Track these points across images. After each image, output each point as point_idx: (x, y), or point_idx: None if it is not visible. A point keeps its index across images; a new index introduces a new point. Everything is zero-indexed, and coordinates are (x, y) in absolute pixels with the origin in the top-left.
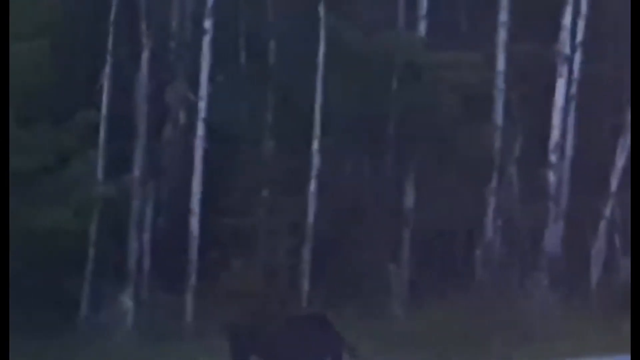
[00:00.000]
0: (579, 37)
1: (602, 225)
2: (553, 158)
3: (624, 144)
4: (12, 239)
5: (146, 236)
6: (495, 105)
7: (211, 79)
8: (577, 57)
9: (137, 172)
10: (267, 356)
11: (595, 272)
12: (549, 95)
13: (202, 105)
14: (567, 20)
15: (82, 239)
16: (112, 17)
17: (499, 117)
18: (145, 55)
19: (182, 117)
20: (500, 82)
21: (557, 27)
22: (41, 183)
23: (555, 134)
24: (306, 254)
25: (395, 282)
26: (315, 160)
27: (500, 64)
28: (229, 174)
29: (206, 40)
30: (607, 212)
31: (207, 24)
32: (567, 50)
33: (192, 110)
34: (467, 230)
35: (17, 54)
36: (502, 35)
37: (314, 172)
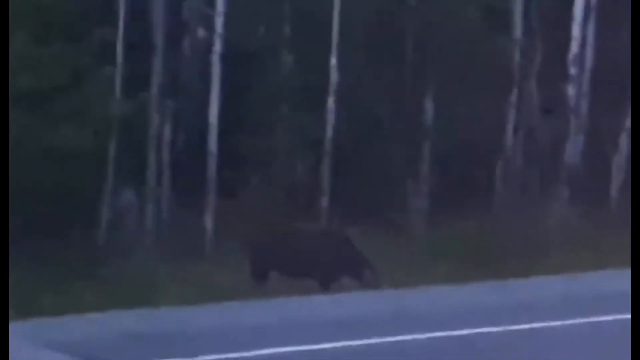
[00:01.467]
0: None
1: (623, 137)
2: (572, 71)
3: None
4: (29, 158)
5: (165, 154)
6: (514, 18)
7: None
8: None
9: (155, 89)
10: (286, 271)
11: (615, 185)
12: (568, 7)
13: (219, 20)
14: None
15: (100, 157)
16: None
17: (518, 30)
18: None
19: (199, 32)
20: None
21: None
22: (58, 102)
23: (574, 46)
24: (325, 170)
25: (414, 198)
26: (334, 75)
27: None
28: (247, 91)
29: None
30: (628, 123)
31: None
32: None
33: (209, 26)
34: (487, 144)
35: None
36: None
37: (332, 87)
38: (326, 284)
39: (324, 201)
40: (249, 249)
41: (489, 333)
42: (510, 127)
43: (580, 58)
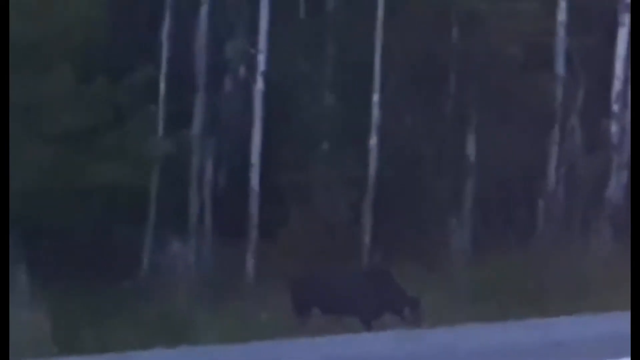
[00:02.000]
0: None
1: None
2: (615, 107)
3: None
4: (72, 196)
5: (206, 191)
6: (556, 55)
7: (270, 32)
8: None
9: (197, 127)
10: (329, 309)
11: None
12: (611, 44)
13: (261, 58)
14: None
15: (142, 195)
16: None
17: (560, 67)
18: (204, 9)
19: (241, 71)
20: (561, 31)
21: None
22: (101, 140)
23: (617, 84)
24: (367, 208)
25: (456, 236)
26: (375, 112)
27: (562, 12)
28: (288, 128)
29: None
30: None
31: None
32: None
33: (251, 64)
34: (530, 181)
35: (74, 8)
36: None
37: (374, 124)
38: (368, 322)
39: (366, 239)
40: (291, 285)
41: None
42: (552, 164)
43: (624, 95)
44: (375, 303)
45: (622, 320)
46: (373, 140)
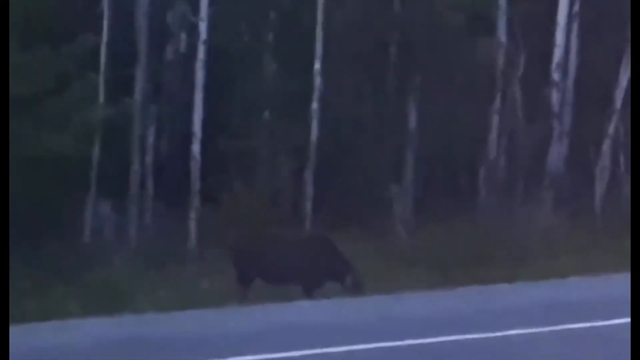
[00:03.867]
0: None
1: (606, 143)
2: (556, 76)
3: (627, 61)
4: (13, 164)
5: (148, 160)
6: (497, 24)
7: (212, 0)
8: None
9: (138, 95)
10: (271, 278)
11: (599, 190)
12: (551, 13)
13: (203, 27)
14: None
15: (84, 163)
16: None
17: (501, 35)
18: None
19: (183, 39)
20: (502, 0)
21: None
22: (42, 108)
23: (558, 53)
24: (309, 176)
25: (398, 203)
26: (317, 81)
27: None
28: (230, 97)
29: None
30: (611, 129)
31: None
32: None
33: (193, 32)
34: (470, 150)
35: None
36: None
37: (316, 94)
38: (309, 290)
39: (308, 206)
40: (233, 255)
41: (471, 339)
42: (493, 133)
43: (564, 64)
44: (316, 271)
45: (560, 288)
46: (315, 109)
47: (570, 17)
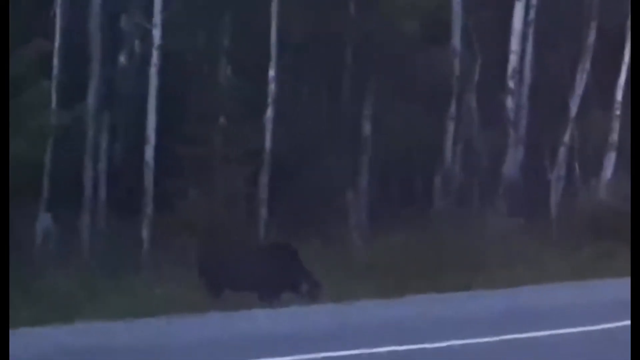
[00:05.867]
0: None
1: (561, 152)
2: (511, 83)
3: (583, 69)
4: None
5: (102, 165)
6: (453, 31)
7: (166, 6)
8: None
9: (91, 100)
10: (238, 287)
11: (554, 198)
12: (507, 20)
13: (156, 32)
14: None
15: (36, 169)
16: None
17: (457, 42)
18: None
19: (136, 45)
20: (457, 7)
21: None
22: None
23: (513, 60)
24: (264, 182)
25: (353, 210)
26: (272, 87)
27: None
28: (185, 102)
29: None
30: (566, 137)
31: None
32: None
33: (146, 38)
34: (426, 157)
35: None
36: None
37: (270, 99)
38: (266, 298)
39: (263, 212)
40: (201, 269)
41: (425, 349)
42: (449, 140)
43: (520, 71)
44: (272, 279)
45: (515, 297)
46: (269, 114)
47: (525, 24)
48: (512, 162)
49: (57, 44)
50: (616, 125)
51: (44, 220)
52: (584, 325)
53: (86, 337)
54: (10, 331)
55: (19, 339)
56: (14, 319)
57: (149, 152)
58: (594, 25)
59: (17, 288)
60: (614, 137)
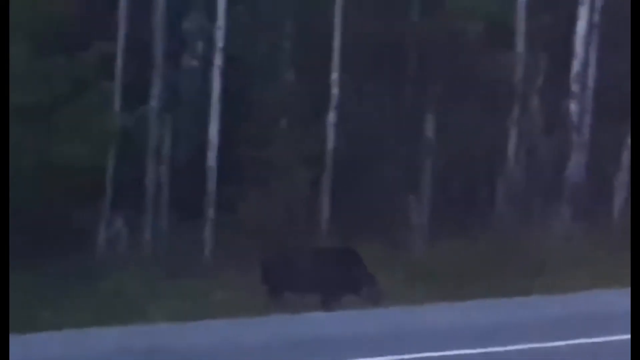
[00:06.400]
0: None
1: (625, 154)
2: (575, 87)
3: None
4: (27, 171)
5: (164, 169)
6: (516, 34)
7: (229, 8)
8: None
9: (154, 102)
10: (300, 291)
11: (618, 202)
12: (570, 23)
13: (219, 34)
14: None
15: (99, 172)
16: None
17: (520, 46)
18: None
19: (200, 47)
20: (521, 11)
21: None
22: (57, 115)
23: (576, 64)
24: (325, 185)
25: (415, 213)
26: (335, 90)
27: None
28: (247, 105)
29: None
30: (629, 140)
31: None
32: None
33: (210, 40)
34: (489, 161)
35: None
36: None
37: (333, 102)
38: (327, 301)
39: (325, 215)
40: (263, 270)
41: (487, 353)
42: (511, 144)
43: (583, 75)
44: (334, 282)
45: (578, 301)
46: (331, 118)
47: (589, 27)
48: (576, 166)
49: (120, 46)
50: None
51: (114, 221)
52: None
53: (148, 338)
54: (74, 331)
55: (82, 339)
56: (77, 319)
57: (212, 155)
58: None
59: (81, 289)
60: None
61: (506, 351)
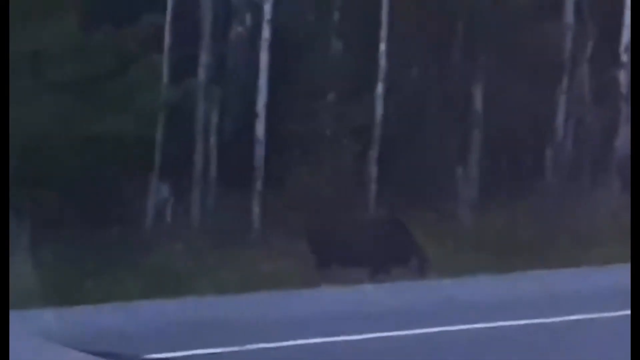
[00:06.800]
0: None
1: None
2: (625, 57)
3: None
4: (76, 145)
5: (212, 141)
6: (565, 4)
7: None
8: None
9: (202, 76)
10: (348, 263)
11: None
12: None
13: (267, 7)
14: None
15: (146, 144)
16: None
17: (569, 16)
18: None
19: (247, 19)
20: None
21: None
22: (104, 88)
23: (626, 33)
24: (373, 157)
25: (463, 185)
26: (382, 63)
27: None
28: (294, 78)
29: None
30: None
31: None
32: None
33: (257, 13)
34: (537, 132)
35: None
36: None
37: (380, 74)
38: (375, 273)
39: (372, 188)
40: (310, 241)
41: (534, 324)
42: (560, 115)
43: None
44: (382, 254)
45: (624, 273)
46: (379, 90)
47: None
48: (625, 137)
49: (168, 18)
50: None
51: (161, 191)
52: None
53: (196, 311)
54: (121, 304)
55: (130, 312)
56: (125, 292)
57: (260, 128)
58: None
59: (128, 262)
60: None
61: (553, 322)
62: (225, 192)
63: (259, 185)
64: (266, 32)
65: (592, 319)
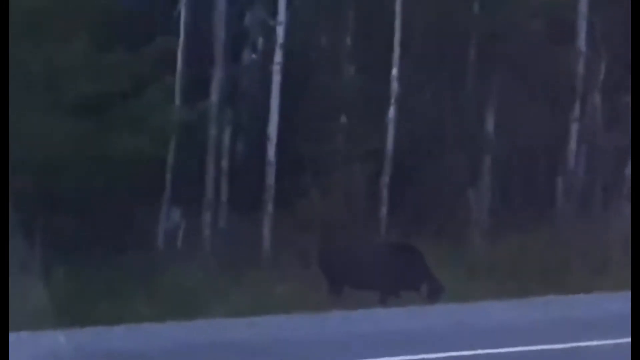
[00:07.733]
0: None
1: None
2: None
3: None
4: (89, 166)
5: (224, 163)
6: (578, 30)
7: (290, 3)
8: None
9: (214, 97)
10: (359, 286)
11: None
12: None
13: (280, 30)
14: None
15: (159, 166)
16: None
17: (582, 41)
18: None
19: (260, 42)
20: (583, 6)
21: None
22: (118, 109)
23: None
24: (384, 180)
25: (474, 209)
26: (395, 86)
27: None
28: (307, 100)
29: None
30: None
31: None
32: None
33: (270, 36)
34: (549, 157)
35: None
36: None
37: (393, 97)
38: (387, 297)
39: (384, 211)
40: (322, 264)
41: (546, 350)
42: (573, 140)
43: None
44: (393, 278)
45: None
46: (391, 113)
47: None
48: None
49: (181, 41)
50: None
51: (173, 214)
52: None
53: (207, 333)
54: (133, 326)
55: (142, 334)
56: (137, 314)
57: (271, 150)
58: None
59: (140, 284)
60: None
61: (565, 348)
62: (237, 214)
63: (270, 207)
64: (278, 56)
65: (603, 346)
